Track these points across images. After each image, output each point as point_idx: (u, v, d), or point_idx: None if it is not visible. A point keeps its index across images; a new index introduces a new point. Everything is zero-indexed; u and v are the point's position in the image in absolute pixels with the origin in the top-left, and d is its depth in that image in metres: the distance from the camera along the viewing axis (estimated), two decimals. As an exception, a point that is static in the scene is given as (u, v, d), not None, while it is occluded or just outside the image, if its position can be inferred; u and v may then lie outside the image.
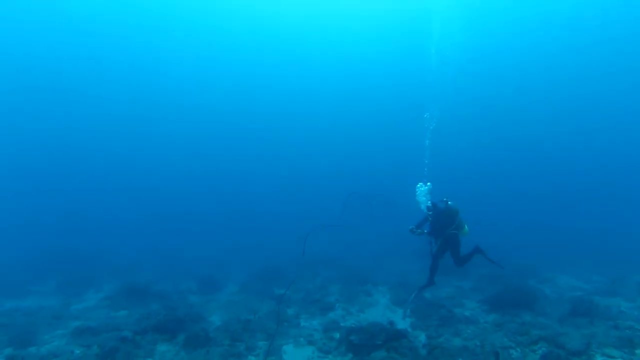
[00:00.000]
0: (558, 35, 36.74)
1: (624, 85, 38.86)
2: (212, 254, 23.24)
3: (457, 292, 12.64)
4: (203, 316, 10.50)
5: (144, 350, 7.89)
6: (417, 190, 8.80)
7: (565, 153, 45.85)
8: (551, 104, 43.38)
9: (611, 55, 36.84)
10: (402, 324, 9.52)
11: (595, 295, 10.79)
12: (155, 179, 51.71)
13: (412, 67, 39.86)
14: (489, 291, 11.84)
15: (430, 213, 8.42)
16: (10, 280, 15.36)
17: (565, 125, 45.06)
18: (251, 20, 40.74)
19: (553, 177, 44.83)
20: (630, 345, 6.78)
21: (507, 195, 40.09)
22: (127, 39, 41.63)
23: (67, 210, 41.96)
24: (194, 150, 54.23)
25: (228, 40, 43.25)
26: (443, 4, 30.60)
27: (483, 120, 46.17)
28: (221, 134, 54.11)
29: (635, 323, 8.19)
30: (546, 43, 37.78)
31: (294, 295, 12.56)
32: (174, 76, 47.23)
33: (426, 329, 9.04)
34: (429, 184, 8.76)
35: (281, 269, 16.67)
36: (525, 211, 34.33)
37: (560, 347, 6.46)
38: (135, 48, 43.13)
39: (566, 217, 31.51)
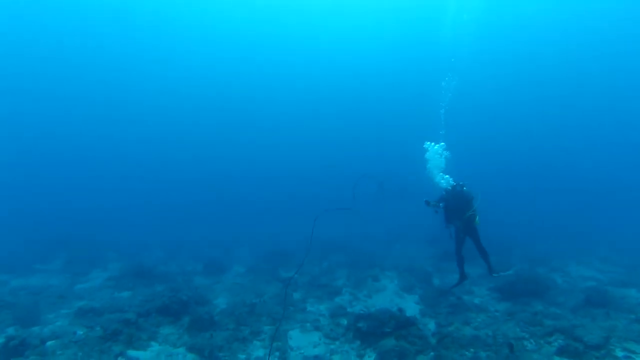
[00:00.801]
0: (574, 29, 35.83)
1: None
2: (220, 236, 23.16)
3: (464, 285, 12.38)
4: (208, 299, 10.37)
5: (147, 332, 7.76)
6: (427, 151, 8.58)
7: (578, 143, 45.16)
8: (567, 94, 42.46)
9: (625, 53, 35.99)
10: (411, 310, 9.33)
11: (609, 286, 10.49)
12: (164, 164, 51.86)
13: (422, 53, 39.05)
14: (499, 279, 11.60)
15: (449, 190, 8.20)
16: (17, 259, 15.36)
17: (577, 115, 44.26)
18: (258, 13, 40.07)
19: (565, 167, 44.27)
20: (653, 340, 6.51)
21: (519, 185, 39.55)
22: (126, 34, 41.19)
23: (77, 194, 42.26)
24: (203, 135, 54.16)
25: (234, 26, 42.46)
26: None
27: (498, 111, 45.36)
28: (229, 119, 53.87)
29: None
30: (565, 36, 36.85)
31: (300, 279, 12.39)
32: (176, 67, 46.75)
33: (435, 316, 8.84)
34: (442, 143, 8.49)
35: (288, 252, 16.53)
36: (536, 200, 33.85)
37: (577, 340, 6.20)
38: (133, 43, 42.66)
39: (578, 206, 31.06)
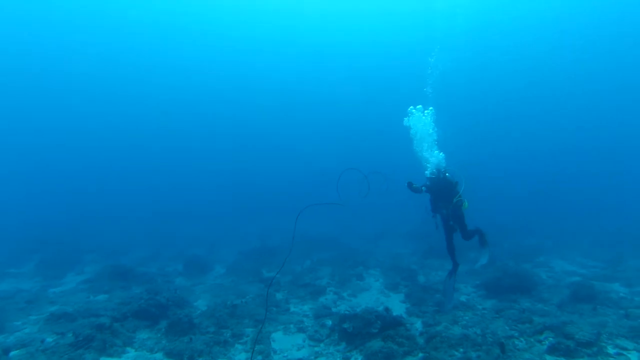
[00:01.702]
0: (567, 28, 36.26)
1: (623, 80, 38.61)
2: (203, 234, 22.74)
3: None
4: (188, 300, 9.97)
5: (122, 338, 7.36)
6: (409, 116, 8.35)
7: (562, 138, 45.85)
8: (555, 88, 43.05)
9: (617, 53, 36.53)
10: (397, 309, 9.12)
11: (593, 281, 10.45)
12: (146, 161, 50.94)
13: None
14: (485, 276, 11.49)
15: (432, 178, 8.01)
16: (-14, 263, 14.72)
17: (559, 112, 44.93)
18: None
19: (550, 162, 44.93)
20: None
21: (499, 179, 39.96)
22: (127, 37, 40.35)
23: (55, 194, 41.19)
24: (185, 132, 53.39)
25: (231, 29, 41.91)
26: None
27: (483, 104, 45.72)
28: (214, 116, 53.21)
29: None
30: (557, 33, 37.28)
31: (283, 278, 12.10)
32: (168, 68, 45.96)
33: (422, 315, 8.64)
34: (430, 108, 8.29)
35: (272, 250, 16.23)
36: (518, 195, 34.21)
37: (568, 338, 6.04)
38: (134, 46, 41.77)
39: (561, 201, 31.47)
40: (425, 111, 8.54)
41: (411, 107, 8.48)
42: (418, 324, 8.14)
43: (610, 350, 5.92)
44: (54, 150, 48.84)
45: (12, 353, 6.59)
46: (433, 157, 8.22)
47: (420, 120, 8.44)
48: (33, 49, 38.74)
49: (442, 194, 8.08)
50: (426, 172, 8.24)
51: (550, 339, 6.28)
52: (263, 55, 45.64)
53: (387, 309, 7.64)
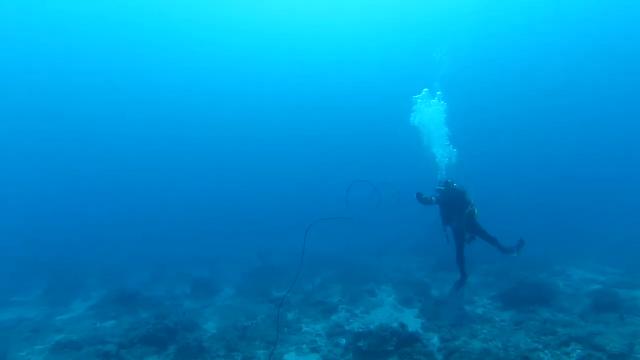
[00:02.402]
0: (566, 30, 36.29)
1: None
2: (208, 253, 22.48)
3: (466, 288, 11.89)
4: (197, 324, 9.72)
5: (130, 365, 7.12)
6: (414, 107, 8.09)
7: (571, 145, 45.39)
8: (565, 97, 42.78)
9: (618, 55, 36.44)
10: (413, 325, 8.83)
11: (614, 288, 10.11)
12: (146, 180, 50.84)
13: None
14: (499, 287, 11.22)
15: (442, 190, 7.77)
16: (-8, 292, 14.50)
17: (573, 118, 44.55)
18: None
19: (559, 169, 44.43)
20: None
21: (512, 187, 39.51)
22: (121, 42, 40.66)
23: (56, 215, 41.06)
24: (186, 150, 53.35)
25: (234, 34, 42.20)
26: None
27: (490, 109, 45.44)
28: (213, 132, 53.18)
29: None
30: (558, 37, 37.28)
31: (293, 298, 11.81)
32: (164, 77, 46.13)
33: (439, 330, 8.33)
34: (439, 93, 8.03)
35: (278, 269, 15.98)
36: (531, 203, 33.74)
37: (598, 350, 5.74)
38: (126, 50, 42.06)
39: (572, 208, 30.98)
40: (432, 100, 8.21)
41: (416, 95, 8.19)
42: (435, 340, 7.84)
43: (644, 361, 5.62)
44: (51, 170, 48.76)
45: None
46: (445, 153, 8.01)
47: (428, 111, 8.14)
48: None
49: (453, 205, 7.87)
50: (439, 186, 8.03)
51: (579, 351, 5.97)
52: (259, 67, 45.88)
53: (402, 325, 7.36)
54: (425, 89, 8.25)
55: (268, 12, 38.52)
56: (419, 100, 8.26)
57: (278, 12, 38.62)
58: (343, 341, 7.94)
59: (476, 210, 7.88)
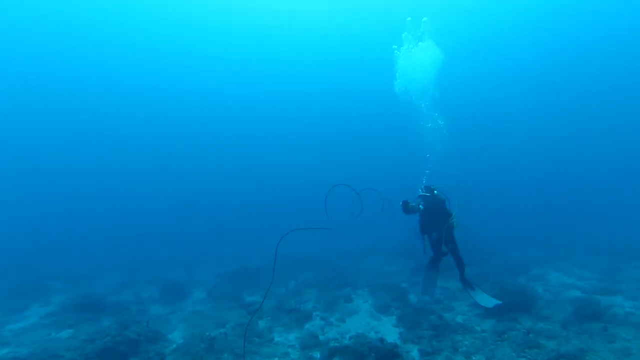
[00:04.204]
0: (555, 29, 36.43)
1: (620, 81, 38.88)
2: (185, 255, 21.78)
3: (445, 294, 11.58)
4: (162, 333, 9.08)
5: (82, 385, 6.45)
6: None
7: (556, 145, 45.85)
8: (543, 97, 43.14)
9: (612, 53, 36.77)
10: (390, 335, 8.41)
11: (594, 294, 9.92)
12: (123, 180, 49.37)
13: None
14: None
15: (426, 196, 7.29)
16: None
17: (558, 119, 45.00)
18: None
19: (542, 170, 44.89)
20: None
21: (488, 188, 39.72)
22: (119, 40, 39.26)
23: (19, 214, 39.33)
24: (163, 151, 52.00)
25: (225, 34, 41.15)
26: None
27: (473, 111, 45.55)
28: (190, 133, 51.95)
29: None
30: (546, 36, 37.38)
31: (266, 303, 11.24)
32: (147, 73, 44.73)
33: (418, 341, 7.91)
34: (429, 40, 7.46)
35: (251, 272, 15.42)
36: (503, 204, 33.95)
37: (588, 369, 5.42)
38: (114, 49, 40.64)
39: (549, 209, 31.29)
40: (420, 43, 7.26)
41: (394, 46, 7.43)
42: (415, 352, 7.42)
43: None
44: (11, 168, 46.71)
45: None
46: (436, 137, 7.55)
47: (411, 60, 7.24)
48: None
49: (434, 214, 7.41)
50: (423, 191, 7.57)
51: (567, 369, 5.63)
52: (244, 67, 44.95)
53: (381, 340, 6.90)
54: (408, 18, 7.32)
55: (265, 12, 37.85)
56: (403, 47, 7.30)
57: (275, 12, 38.04)
58: (317, 355, 7.44)
59: (455, 222, 7.47)
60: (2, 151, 45.20)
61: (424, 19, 7.46)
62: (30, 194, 45.56)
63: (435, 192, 7.47)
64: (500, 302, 7.26)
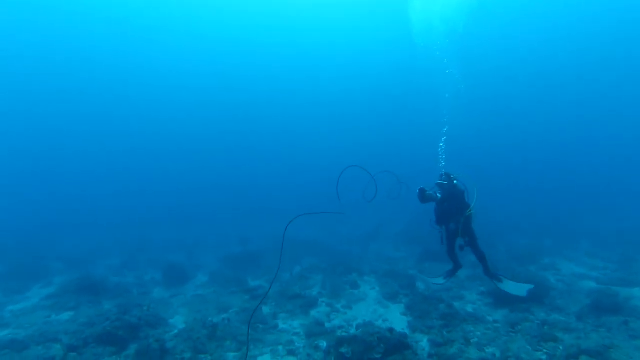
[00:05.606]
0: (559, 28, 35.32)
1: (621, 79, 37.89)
2: (179, 237, 21.59)
3: (454, 282, 11.24)
4: (163, 318, 8.86)
5: (79, 372, 6.22)
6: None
7: (566, 136, 45.10)
8: (551, 92, 42.12)
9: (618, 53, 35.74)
10: (399, 324, 8.14)
11: (610, 286, 9.57)
12: (122, 161, 49.12)
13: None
14: (489, 281, 10.58)
15: (444, 185, 6.90)
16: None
17: (568, 111, 44.08)
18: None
19: (552, 159, 44.25)
20: None
21: (497, 177, 39.15)
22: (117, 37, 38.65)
23: (17, 195, 39.27)
24: (167, 133, 51.61)
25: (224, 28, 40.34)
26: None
27: (482, 104, 44.63)
28: (193, 112, 51.37)
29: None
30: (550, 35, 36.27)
31: (270, 289, 11.00)
32: (145, 69, 44.10)
33: (428, 331, 7.62)
34: None
35: (255, 255, 15.19)
36: (508, 191, 33.48)
37: (614, 368, 5.10)
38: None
39: (553, 198, 30.81)
40: None
41: None
42: (424, 342, 7.14)
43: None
44: (15, 152, 46.49)
45: None
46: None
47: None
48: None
49: (452, 204, 7.00)
50: (440, 179, 7.16)
51: (590, 366, 5.31)
52: (253, 52, 44.15)
53: (390, 330, 6.59)
54: None
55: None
56: None
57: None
58: (323, 343, 7.18)
59: (473, 213, 7.08)
60: (5, 134, 45.01)
61: None
62: (32, 175, 45.46)
63: (455, 181, 7.05)
64: (532, 285, 6.93)
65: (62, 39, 36.85)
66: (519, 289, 6.87)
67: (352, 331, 7.78)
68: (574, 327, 7.16)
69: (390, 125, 48.45)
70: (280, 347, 7.24)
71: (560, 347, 6.06)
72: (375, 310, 9.28)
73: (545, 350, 6.13)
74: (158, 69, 44.27)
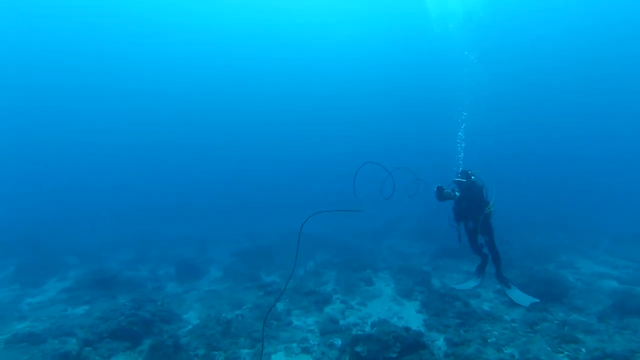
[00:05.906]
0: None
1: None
2: (189, 232, 21.65)
3: (469, 279, 11.09)
4: (177, 313, 8.85)
5: (93, 367, 6.22)
6: None
7: (586, 132, 44.17)
8: (572, 87, 41.08)
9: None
10: (414, 322, 8.02)
11: (635, 286, 9.32)
12: (134, 156, 49.50)
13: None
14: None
15: (462, 182, 6.73)
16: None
17: (579, 107, 43.13)
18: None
19: (552, 156, 43.51)
20: None
21: (514, 175, 38.49)
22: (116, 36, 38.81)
23: (31, 190, 39.81)
24: (167, 127, 51.78)
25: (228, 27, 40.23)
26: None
27: (496, 101, 43.84)
28: (206, 114, 51.53)
29: None
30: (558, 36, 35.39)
31: (284, 284, 10.95)
32: (151, 64, 44.20)
33: (444, 330, 7.49)
34: None
35: (268, 250, 15.13)
36: (523, 188, 32.96)
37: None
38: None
39: (567, 196, 30.28)
40: None
41: None
42: (440, 341, 7.02)
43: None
44: (30, 148, 47.04)
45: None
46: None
47: None
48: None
49: (470, 201, 6.82)
50: (458, 177, 6.99)
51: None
52: (258, 48, 44.01)
53: (407, 329, 6.47)
54: None
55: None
56: None
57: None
58: (338, 341, 7.10)
59: (492, 210, 6.90)
60: (16, 130, 45.69)
61: None
62: (41, 170, 46.06)
63: (472, 177, 6.88)
64: (537, 300, 6.74)
65: (84, 36, 37.16)
66: (523, 300, 6.72)
67: (367, 329, 7.70)
68: (596, 328, 6.97)
69: (405, 118, 47.93)
70: (294, 345, 7.18)
71: (583, 350, 5.88)
72: (390, 308, 9.17)
73: (566, 353, 5.97)
74: (176, 63, 44.48)
